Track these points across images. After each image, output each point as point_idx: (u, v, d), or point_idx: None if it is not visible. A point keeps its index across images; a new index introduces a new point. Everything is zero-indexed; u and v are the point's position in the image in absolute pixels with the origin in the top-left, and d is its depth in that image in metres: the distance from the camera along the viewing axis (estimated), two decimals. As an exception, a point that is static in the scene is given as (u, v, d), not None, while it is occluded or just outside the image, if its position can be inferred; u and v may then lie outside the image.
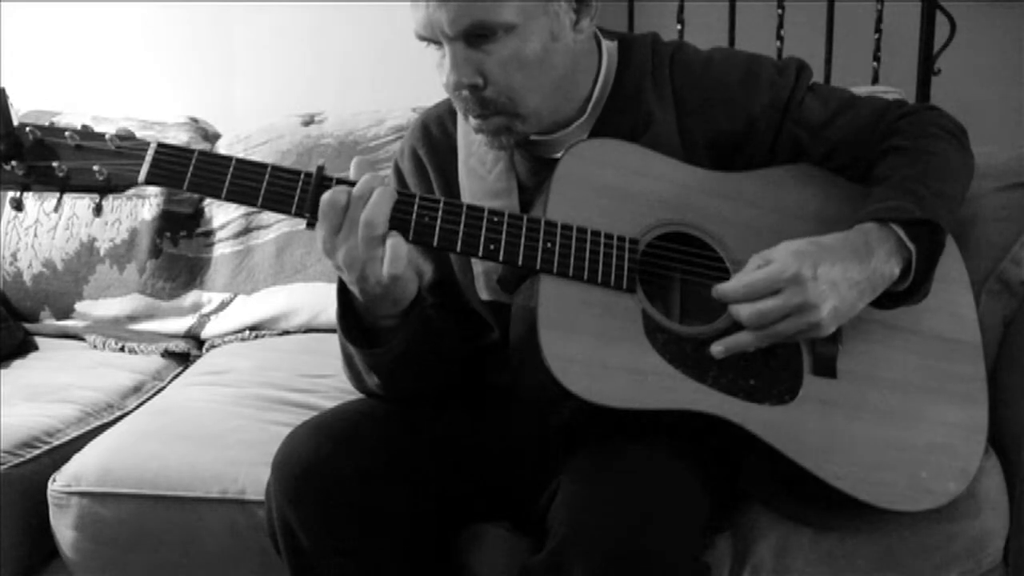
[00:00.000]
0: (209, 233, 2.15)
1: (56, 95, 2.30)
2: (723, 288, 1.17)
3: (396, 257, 1.11)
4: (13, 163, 1.10)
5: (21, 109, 2.18)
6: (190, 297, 2.14)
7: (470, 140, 1.34)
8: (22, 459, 1.59)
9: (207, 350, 2.09)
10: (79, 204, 2.15)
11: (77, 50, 2.46)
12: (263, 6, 2.41)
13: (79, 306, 2.16)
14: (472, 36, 1.17)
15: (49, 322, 2.18)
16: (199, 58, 2.47)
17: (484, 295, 1.31)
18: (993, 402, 1.33)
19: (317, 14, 2.41)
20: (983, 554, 1.36)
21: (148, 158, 1.12)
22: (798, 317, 1.15)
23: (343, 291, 1.22)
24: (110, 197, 2.06)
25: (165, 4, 2.41)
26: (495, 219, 1.17)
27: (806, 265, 1.14)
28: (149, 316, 2.14)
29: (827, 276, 1.14)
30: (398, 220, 1.14)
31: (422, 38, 1.21)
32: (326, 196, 1.12)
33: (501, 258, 1.17)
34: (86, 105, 2.23)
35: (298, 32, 2.44)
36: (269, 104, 2.34)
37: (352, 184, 1.14)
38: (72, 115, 2.14)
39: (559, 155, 1.25)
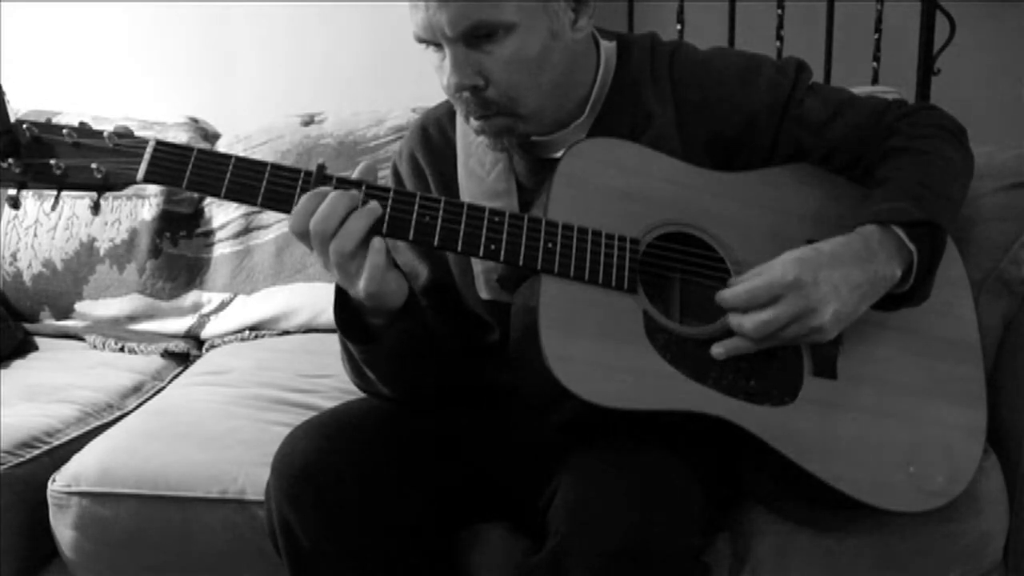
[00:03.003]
0: (209, 233, 2.15)
1: (56, 95, 2.30)
2: (725, 295, 1.17)
3: (373, 276, 1.12)
4: (10, 160, 1.10)
5: (20, 109, 2.18)
6: (190, 297, 2.13)
7: (469, 141, 1.34)
8: (22, 459, 1.59)
9: (207, 350, 2.09)
10: (79, 204, 2.16)
11: (77, 50, 2.45)
12: (263, 6, 2.41)
13: (79, 306, 2.16)
14: (472, 37, 1.17)
15: (49, 322, 2.18)
16: (199, 58, 2.46)
17: (484, 294, 1.31)
18: (993, 402, 1.33)
19: (317, 14, 2.41)
20: (983, 554, 1.37)
21: (146, 156, 1.12)
22: (800, 322, 1.15)
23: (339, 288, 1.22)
24: (109, 196, 2.09)
25: (165, 4, 2.41)
26: (496, 219, 1.16)
27: (806, 271, 1.14)
28: (149, 316, 2.14)
29: (828, 280, 1.15)
30: (398, 220, 1.14)
31: (421, 40, 1.20)
32: (300, 205, 1.11)
33: (502, 258, 1.16)
34: (86, 105, 2.23)
35: (298, 32, 2.44)
36: (269, 104, 2.33)
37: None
38: (72, 115, 2.14)
39: (558, 155, 1.25)
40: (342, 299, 1.22)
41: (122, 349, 2.05)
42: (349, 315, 1.23)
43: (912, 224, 1.19)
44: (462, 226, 1.16)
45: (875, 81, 2.42)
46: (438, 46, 1.19)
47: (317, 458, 1.23)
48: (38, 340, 2.11)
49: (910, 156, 1.26)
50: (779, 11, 2.43)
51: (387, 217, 1.14)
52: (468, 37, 1.17)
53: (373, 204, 1.13)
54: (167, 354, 2.05)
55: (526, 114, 1.23)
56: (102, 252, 2.15)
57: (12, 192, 1.13)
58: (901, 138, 1.29)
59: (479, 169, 1.33)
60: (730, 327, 1.19)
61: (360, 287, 1.13)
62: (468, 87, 1.19)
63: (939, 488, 1.25)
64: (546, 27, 1.19)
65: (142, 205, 2.14)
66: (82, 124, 1.13)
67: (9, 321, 2.10)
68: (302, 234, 1.12)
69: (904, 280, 1.20)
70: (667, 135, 1.29)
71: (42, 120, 1.13)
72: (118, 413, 1.80)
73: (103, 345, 2.06)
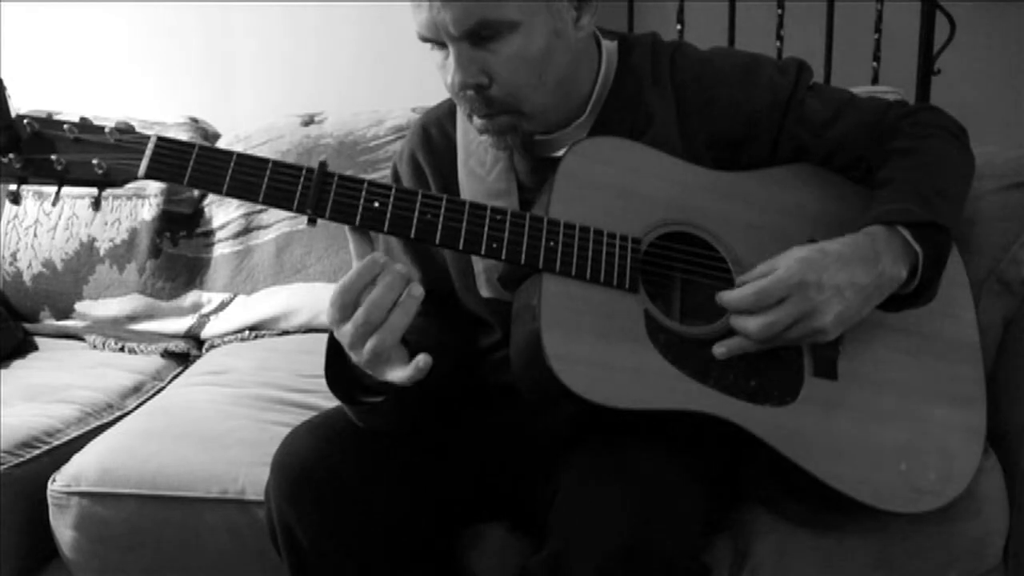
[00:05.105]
0: (209, 233, 2.15)
1: (56, 95, 2.30)
2: (730, 296, 1.17)
3: (414, 372, 1.09)
4: (10, 156, 1.09)
5: (21, 109, 2.17)
6: (190, 297, 2.13)
7: (469, 140, 1.34)
8: (22, 459, 1.59)
9: (207, 350, 2.09)
10: (79, 204, 2.16)
11: (77, 50, 2.46)
12: (263, 6, 2.41)
13: (79, 306, 2.16)
14: (476, 36, 1.16)
15: (49, 322, 2.18)
16: (199, 58, 2.47)
17: (485, 293, 1.31)
18: (993, 402, 1.33)
19: (317, 14, 2.41)
20: (983, 554, 1.36)
21: (148, 152, 1.10)
22: (803, 323, 1.15)
23: (333, 342, 1.18)
24: (109, 195, 2.09)
25: (165, 4, 2.41)
26: (498, 217, 1.16)
27: (811, 272, 1.14)
28: (149, 316, 2.14)
29: (832, 282, 1.15)
30: (400, 218, 1.14)
31: (425, 39, 1.20)
32: (336, 295, 1.09)
33: (503, 256, 1.16)
34: (85, 105, 2.22)
35: (298, 32, 2.44)
36: (269, 104, 2.34)
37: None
38: (71, 115, 2.13)
39: (559, 154, 1.24)
40: (331, 354, 1.19)
41: (122, 349, 2.05)
42: (339, 368, 1.19)
43: (917, 224, 1.19)
44: (464, 224, 1.15)
45: (875, 81, 2.42)
46: (441, 45, 1.19)
47: (317, 458, 1.23)
48: (38, 340, 2.11)
49: (913, 157, 1.26)
50: (779, 11, 2.43)
51: (389, 215, 1.13)
52: (472, 36, 1.16)
53: (416, 289, 1.10)
54: (167, 354, 2.05)
55: (529, 112, 1.23)
56: (102, 252, 2.15)
57: (12, 187, 1.12)
58: (904, 139, 1.29)
59: (479, 169, 1.32)
60: (731, 327, 1.19)
61: (387, 378, 1.10)
62: (472, 86, 1.19)
63: (939, 488, 1.25)
64: (549, 25, 1.19)
65: (142, 205, 2.14)
66: (83, 119, 1.12)
67: (9, 321, 2.10)
68: (346, 304, 1.08)
69: (909, 280, 1.20)
70: (668, 135, 1.29)
71: (43, 115, 1.12)
72: (118, 413, 1.80)
73: (103, 345, 2.06)
